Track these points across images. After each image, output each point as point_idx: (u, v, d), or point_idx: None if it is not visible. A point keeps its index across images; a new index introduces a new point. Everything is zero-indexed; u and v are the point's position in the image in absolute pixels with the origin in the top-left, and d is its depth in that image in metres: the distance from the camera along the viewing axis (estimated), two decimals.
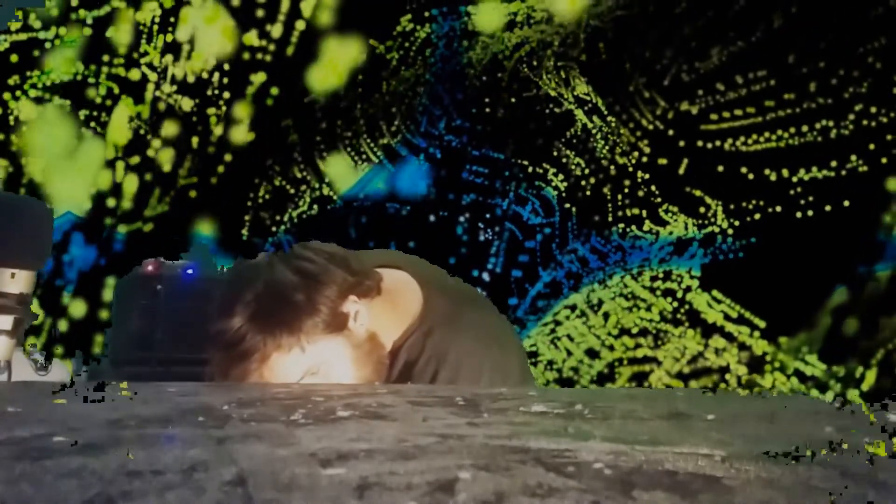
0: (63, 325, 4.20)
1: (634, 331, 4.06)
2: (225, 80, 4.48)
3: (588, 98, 4.30)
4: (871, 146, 3.69)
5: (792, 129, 3.89)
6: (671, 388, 3.89)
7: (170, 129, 4.48)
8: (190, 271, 2.39)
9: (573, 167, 4.33)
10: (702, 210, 4.07)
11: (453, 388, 1.34)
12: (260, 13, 4.50)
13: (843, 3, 3.75)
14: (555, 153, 4.38)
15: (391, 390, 1.11)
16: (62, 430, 0.64)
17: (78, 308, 4.32)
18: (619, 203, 4.25)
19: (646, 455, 0.57)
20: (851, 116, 3.76)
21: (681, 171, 4.10)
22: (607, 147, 4.27)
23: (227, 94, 4.51)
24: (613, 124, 4.25)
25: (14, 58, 4.24)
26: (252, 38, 4.50)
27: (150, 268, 2.33)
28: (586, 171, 4.32)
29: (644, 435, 0.68)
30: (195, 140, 4.44)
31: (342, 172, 4.61)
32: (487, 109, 4.46)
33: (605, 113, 4.28)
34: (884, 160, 3.65)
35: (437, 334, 1.28)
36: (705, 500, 0.45)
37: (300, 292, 1.20)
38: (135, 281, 2.33)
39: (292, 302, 1.19)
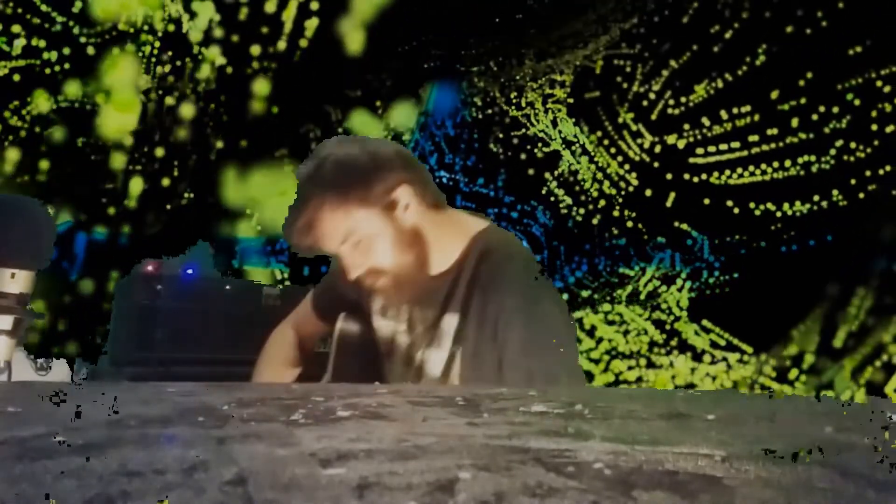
0: (62, 325, 4.20)
1: (626, 356, 4.13)
2: (222, 112, 4.50)
3: (575, 140, 4.41)
4: (853, 181, 3.79)
5: (776, 164, 4.03)
6: (671, 388, 3.92)
7: (168, 146, 4.50)
8: (190, 271, 2.40)
9: (561, 205, 4.42)
10: (689, 243, 4.17)
11: (453, 388, 1.34)
12: (264, 30, 4.51)
13: (823, 42, 3.87)
14: (544, 191, 4.46)
15: (391, 390, 1.11)
16: (62, 430, 0.64)
17: (79, 308, 4.32)
18: (607, 238, 4.34)
19: (646, 455, 0.57)
20: (832, 151, 3.88)
21: (668, 203, 4.20)
22: (595, 185, 4.37)
23: (225, 118, 4.53)
24: (601, 163, 4.35)
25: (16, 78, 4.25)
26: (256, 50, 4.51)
27: (150, 268, 2.33)
28: (574, 207, 4.41)
29: (644, 435, 0.68)
30: (191, 161, 4.47)
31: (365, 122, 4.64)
32: (478, 145, 4.55)
33: (593, 154, 4.38)
34: (861, 195, 3.75)
35: (504, 316, 1.35)
36: (705, 500, 0.45)
37: (360, 165, 1.39)
38: (135, 281, 2.33)
39: (350, 171, 1.39)
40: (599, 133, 4.40)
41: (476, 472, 0.50)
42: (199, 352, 2.36)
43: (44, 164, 4.33)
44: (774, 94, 3.96)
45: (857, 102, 3.80)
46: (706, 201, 4.11)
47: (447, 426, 0.71)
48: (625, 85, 4.36)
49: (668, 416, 0.83)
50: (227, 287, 2.49)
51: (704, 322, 4.05)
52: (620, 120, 4.35)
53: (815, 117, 3.89)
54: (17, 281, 1.35)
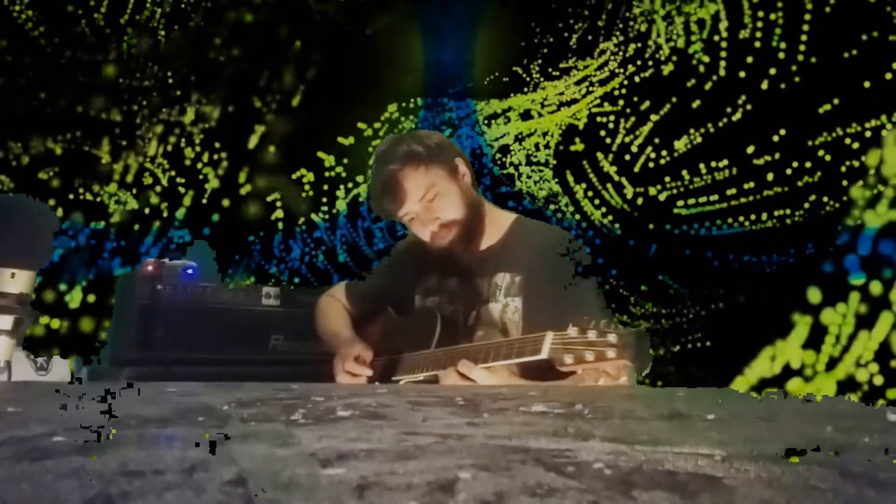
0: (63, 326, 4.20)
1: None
2: (217, 156, 4.54)
3: (556, 200, 4.56)
4: (827, 234, 3.92)
5: (752, 216, 4.19)
6: (671, 388, 3.97)
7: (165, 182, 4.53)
8: (190, 271, 2.40)
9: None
10: (670, 293, 4.29)
11: (453, 389, 1.34)
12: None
13: (794, 99, 4.04)
14: None
15: (391, 390, 1.11)
16: (62, 430, 0.64)
17: (80, 309, 4.32)
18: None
19: (646, 455, 0.57)
20: (806, 205, 4.04)
21: (650, 254, 4.33)
22: (579, 233, 4.53)
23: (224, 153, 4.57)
24: (583, 214, 4.49)
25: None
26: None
27: (150, 268, 2.33)
28: None
29: (644, 435, 0.68)
30: (189, 196, 4.51)
31: None
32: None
33: (573, 210, 4.53)
34: (831, 249, 3.88)
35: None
36: (705, 500, 0.45)
37: (432, 137, 1.83)
38: (135, 281, 2.33)
39: (423, 140, 1.80)
40: (584, 185, 4.59)
41: (476, 472, 0.50)
42: (199, 352, 2.36)
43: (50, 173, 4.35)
44: (750, 149, 4.13)
45: (827, 158, 3.96)
46: (686, 252, 4.26)
47: (447, 426, 0.71)
48: (608, 140, 4.56)
49: (668, 416, 0.83)
50: (227, 287, 2.49)
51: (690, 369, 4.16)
52: (605, 170, 4.55)
53: (788, 172, 4.07)
54: (17, 281, 1.35)
